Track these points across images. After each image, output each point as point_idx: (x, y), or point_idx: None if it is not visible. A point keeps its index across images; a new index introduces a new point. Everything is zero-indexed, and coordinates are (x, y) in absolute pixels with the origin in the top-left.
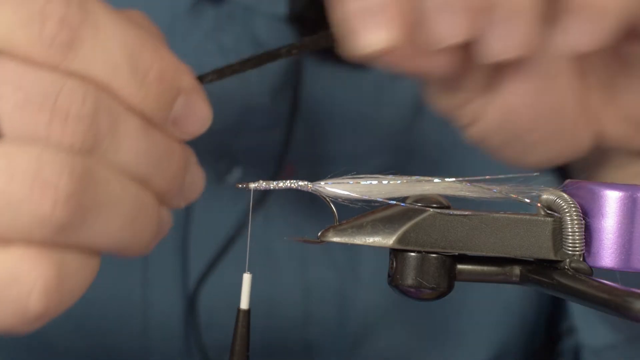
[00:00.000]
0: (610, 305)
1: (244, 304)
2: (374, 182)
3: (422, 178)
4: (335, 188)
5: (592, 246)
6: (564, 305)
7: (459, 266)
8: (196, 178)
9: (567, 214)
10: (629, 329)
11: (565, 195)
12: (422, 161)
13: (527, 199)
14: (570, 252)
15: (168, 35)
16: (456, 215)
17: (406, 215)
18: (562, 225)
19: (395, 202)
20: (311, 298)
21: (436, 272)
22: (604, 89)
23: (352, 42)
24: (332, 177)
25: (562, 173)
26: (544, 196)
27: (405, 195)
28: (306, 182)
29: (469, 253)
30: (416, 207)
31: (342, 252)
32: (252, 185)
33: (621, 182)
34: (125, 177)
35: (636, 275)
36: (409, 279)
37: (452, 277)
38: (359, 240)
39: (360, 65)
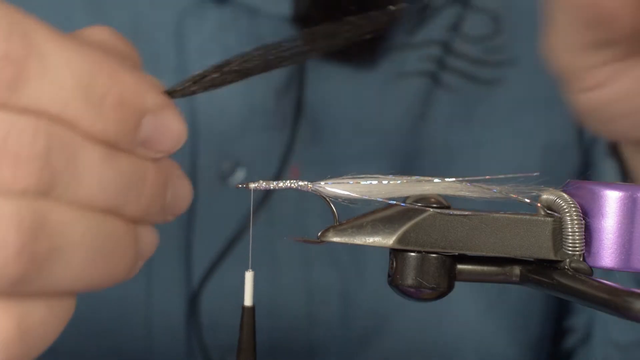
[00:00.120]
0: (610, 305)
1: (248, 301)
2: (374, 182)
3: (422, 178)
4: (335, 188)
5: (592, 246)
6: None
7: (459, 266)
8: (182, 191)
9: (567, 214)
10: None
11: (565, 195)
12: (427, 163)
13: (527, 199)
14: (570, 252)
15: (173, 36)
16: (456, 215)
17: (406, 215)
18: (562, 225)
19: (395, 202)
20: (315, 299)
21: (436, 272)
22: None
23: None
24: (332, 177)
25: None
26: (544, 196)
27: (405, 195)
28: (306, 182)
29: (469, 253)
30: (416, 207)
31: (345, 254)
32: (252, 185)
33: None
34: (89, 211)
35: (636, 275)
36: (409, 279)
37: (452, 277)
38: (359, 240)
39: (364, 66)
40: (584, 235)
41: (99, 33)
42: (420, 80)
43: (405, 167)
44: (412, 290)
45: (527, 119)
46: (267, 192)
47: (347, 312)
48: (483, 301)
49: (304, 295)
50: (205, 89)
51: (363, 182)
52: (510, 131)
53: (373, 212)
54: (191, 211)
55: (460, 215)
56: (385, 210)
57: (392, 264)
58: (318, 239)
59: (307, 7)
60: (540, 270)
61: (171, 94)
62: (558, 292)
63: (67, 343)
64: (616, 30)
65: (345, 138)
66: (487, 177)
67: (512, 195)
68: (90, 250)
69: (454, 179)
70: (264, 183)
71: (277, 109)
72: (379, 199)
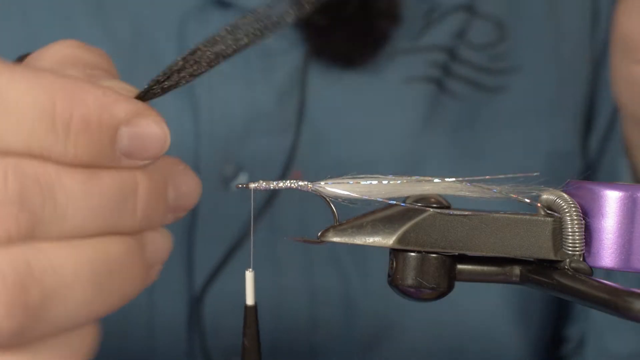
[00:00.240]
0: (610, 305)
1: (250, 300)
2: (374, 182)
3: (422, 178)
4: (335, 188)
5: (592, 246)
6: (569, 311)
7: (459, 266)
8: (187, 186)
9: (567, 214)
10: None
11: (565, 195)
12: (430, 170)
13: (527, 199)
14: (570, 252)
15: (175, 39)
16: (456, 215)
17: (406, 215)
18: (562, 225)
19: (395, 202)
20: (317, 302)
21: (436, 272)
22: None
23: None
24: (331, 177)
25: None
26: (544, 196)
27: (405, 195)
28: (306, 182)
29: (469, 253)
30: (416, 207)
31: (348, 256)
32: (252, 185)
33: None
34: (81, 241)
35: (636, 275)
36: (409, 279)
37: (452, 277)
38: (359, 240)
39: (367, 71)
40: (584, 235)
41: (63, 48)
42: (425, 86)
43: (409, 173)
44: (412, 290)
45: (530, 126)
46: (270, 196)
47: (350, 314)
48: (488, 303)
49: (307, 297)
50: (179, 83)
51: (363, 182)
52: (514, 138)
53: (373, 212)
54: (194, 215)
55: (460, 215)
56: (385, 210)
57: (392, 264)
58: (318, 239)
59: (309, 12)
60: (540, 270)
61: (143, 97)
62: (558, 292)
63: None
64: None
65: (348, 143)
66: (487, 177)
67: (512, 195)
68: (91, 279)
69: (454, 179)
70: (264, 183)
71: (279, 114)
72: (379, 199)
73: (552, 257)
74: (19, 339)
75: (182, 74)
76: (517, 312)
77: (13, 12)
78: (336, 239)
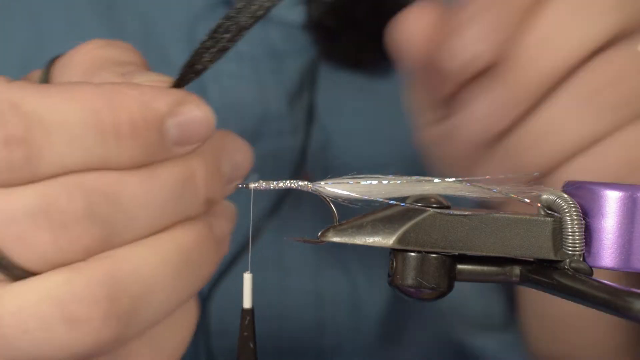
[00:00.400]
0: (610, 305)
1: (247, 303)
2: (374, 182)
3: (422, 178)
4: (335, 188)
5: (592, 246)
6: None
7: (459, 266)
8: (239, 155)
9: (567, 214)
10: None
11: (565, 195)
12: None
13: (527, 199)
14: (570, 252)
15: (186, 40)
16: (456, 215)
17: (406, 215)
18: (562, 225)
19: (395, 202)
20: (324, 304)
21: (436, 272)
22: None
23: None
24: (331, 177)
25: None
26: (544, 196)
27: (405, 195)
28: (306, 182)
29: (469, 253)
30: (416, 207)
31: (354, 258)
32: (252, 185)
33: None
34: (156, 238)
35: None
36: (409, 279)
37: (452, 277)
38: (359, 240)
39: (378, 75)
40: (584, 235)
41: (91, 49)
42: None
43: (418, 175)
44: (412, 290)
45: None
46: (278, 199)
47: (357, 317)
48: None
49: (313, 300)
50: (209, 62)
51: (363, 182)
52: None
53: (373, 212)
54: None
55: (460, 215)
56: (385, 210)
57: (392, 264)
58: (318, 239)
59: (319, 15)
60: (540, 270)
61: (179, 84)
62: (558, 292)
63: None
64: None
65: (358, 145)
66: (487, 177)
67: (512, 195)
68: (172, 271)
69: (454, 179)
70: (264, 183)
71: (289, 115)
72: (379, 199)
73: (552, 257)
74: (118, 345)
75: (210, 52)
76: None
77: (21, 13)
78: (336, 239)
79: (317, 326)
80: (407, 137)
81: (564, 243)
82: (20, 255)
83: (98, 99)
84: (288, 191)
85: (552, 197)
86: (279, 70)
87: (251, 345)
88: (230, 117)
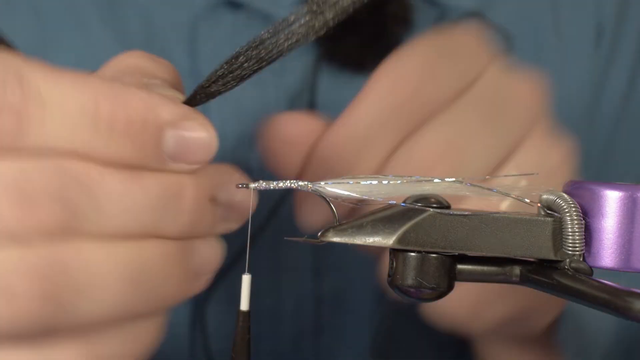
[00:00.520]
0: (610, 305)
1: (244, 305)
2: (374, 182)
3: (422, 178)
4: (335, 188)
5: (592, 246)
6: None
7: (459, 266)
8: (243, 194)
9: (567, 214)
10: None
11: (565, 195)
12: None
13: (527, 199)
14: (570, 252)
15: (186, 40)
16: (456, 215)
17: (406, 215)
18: (562, 225)
19: (395, 202)
20: (323, 307)
21: (436, 272)
22: None
23: None
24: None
25: None
26: (544, 196)
27: (405, 195)
28: (306, 182)
29: (469, 253)
30: (416, 207)
31: (355, 261)
32: (252, 185)
33: None
34: (121, 240)
35: (636, 275)
36: (409, 279)
37: (452, 277)
38: (359, 240)
39: None
40: (584, 235)
41: (127, 58)
42: None
43: None
44: (412, 290)
45: None
46: (278, 202)
47: (357, 320)
48: None
49: (313, 303)
50: (225, 87)
51: (363, 182)
52: None
53: (373, 212)
54: None
55: (460, 215)
56: (385, 210)
57: (392, 264)
58: (318, 239)
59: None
60: (540, 270)
61: (191, 102)
62: (558, 292)
63: None
64: None
65: None
66: (487, 177)
67: (512, 195)
68: (126, 279)
69: (454, 179)
70: (264, 183)
71: None
72: (379, 199)
73: (552, 257)
74: (48, 330)
75: (227, 79)
76: None
77: (25, 12)
78: (336, 239)
79: (315, 330)
80: None
81: (564, 243)
82: None
83: (104, 90)
84: (287, 196)
85: (552, 197)
86: (280, 71)
87: (246, 347)
88: (230, 119)
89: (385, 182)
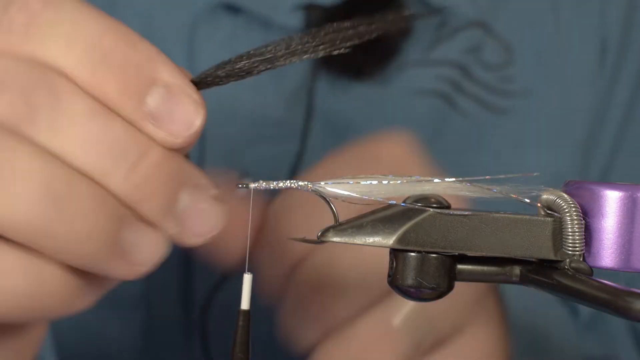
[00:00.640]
0: (610, 305)
1: (245, 304)
2: (374, 182)
3: (422, 178)
4: (335, 188)
5: (592, 246)
6: None
7: (459, 266)
8: (207, 214)
9: (567, 214)
10: None
11: (565, 195)
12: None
13: (527, 199)
14: (570, 252)
15: (186, 43)
16: (456, 215)
17: (406, 215)
18: (562, 225)
19: (395, 202)
20: None
21: (436, 272)
22: None
23: None
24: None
25: None
26: (544, 196)
27: (405, 195)
28: (306, 182)
29: (469, 253)
30: (416, 207)
31: None
32: (252, 185)
33: None
34: (55, 161)
35: (636, 275)
36: (409, 279)
37: (452, 277)
38: (359, 240)
39: (375, 83)
40: (584, 235)
41: None
42: (434, 100)
43: None
44: (412, 290)
45: (534, 151)
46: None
47: None
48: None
49: None
50: (234, 77)
51: (363, 182)
52: (518, 163)
53: (373, 212)
54: None
55: (460, 215)
56: (385, 210)
57: (392, 264)
58: (318, 239)
59: (318, 21)
60: (540, 270)
61: (198, 83)
62: (558, 292)
63: (68, 346)
64: None
65: None
66: (487, 177)
67: (512, 195)
68: (45, 197)
69: (454, 179)
70: (264, 183)
71: (286, 121)
72: (379, 199)
73: (552, 257)
74: None
75: (237, 66)
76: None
77: None
78: (336, 239)
79: None
80: None
81: (564, 243)
82: None
83: (115, 25)
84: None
85: (552, 197)
86: (278, 75)
87: (246, 347)
88: (228, 121)
89: (385, 182)
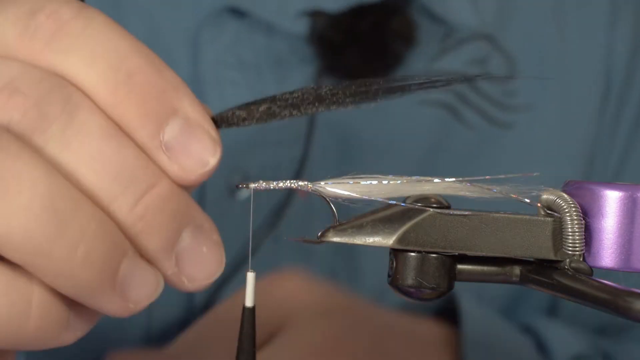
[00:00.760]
0: (610, 305)
1: (249, 301)
2: (374, 182)
3: (422, 178)
4: (335, 188)
5: (592, 246)
6: None
7: (459, 266)
8: (206, 257)
9: (567, 214)
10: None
11: (565, 195)
12: None
13: (527, 199)
14: (570, 252)
15: (191, 47)
16: (456, 215)
17: (406, 215)
18: (562, 225)
19: (395, 202)
20: None
21: (436, 272)
22: None
23: None
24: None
25: None
26: (544, 196)
27: (405, 195)
28: (306, 182)
29: (469, 253)
30: (416, 207)
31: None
32: (252, 185)
33: None
34: (59, 176)
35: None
36: (409, 279)
37: (452, 277)
38: (359, 240)
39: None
40: (584, 235)
41: None
42: (438, 110)
43: None
44: (412, 290)
45: (537, 165)
46: (278, 209)
47: None
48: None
49: None
50: (256, 119)
51: (363, 182)
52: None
53: (373, 212)
54: None
55: (460, 215)
56: (385, 210)
57: (392, 264)
58: (318, 239)
59: (323, 28)
60: (540, 270)
61: (218, 121)
62: (558, 292)
63: (67, 348)
64: None
65: (357, 159)
66: (487, 177)
67: (512, 195)
68: (43, 209)
69: (454, 179)
70: (264, 183)
71: (290, 125)
72: (379, 199)
73: (552, 257)
74: None
75: (261, 108)
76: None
77: None
78: (336, 239)
79: None
80: (406, 155)
81: (564, 243)
82: None
83: (143, 49)
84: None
85: (552, 197)
86: (282, 80)
87: (251, 344)
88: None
89: (385, 182)
